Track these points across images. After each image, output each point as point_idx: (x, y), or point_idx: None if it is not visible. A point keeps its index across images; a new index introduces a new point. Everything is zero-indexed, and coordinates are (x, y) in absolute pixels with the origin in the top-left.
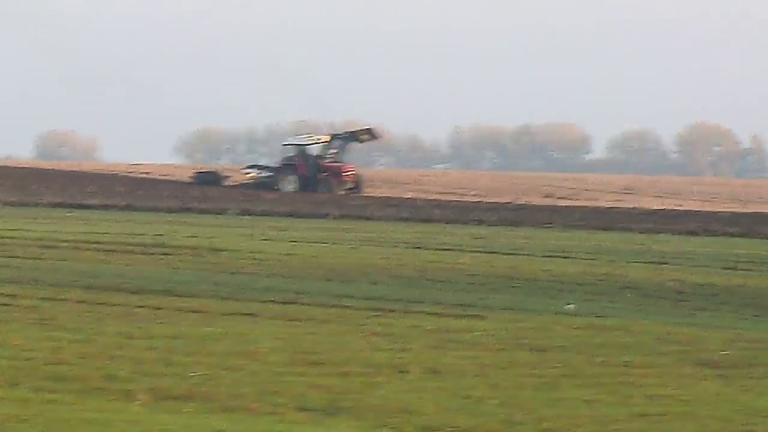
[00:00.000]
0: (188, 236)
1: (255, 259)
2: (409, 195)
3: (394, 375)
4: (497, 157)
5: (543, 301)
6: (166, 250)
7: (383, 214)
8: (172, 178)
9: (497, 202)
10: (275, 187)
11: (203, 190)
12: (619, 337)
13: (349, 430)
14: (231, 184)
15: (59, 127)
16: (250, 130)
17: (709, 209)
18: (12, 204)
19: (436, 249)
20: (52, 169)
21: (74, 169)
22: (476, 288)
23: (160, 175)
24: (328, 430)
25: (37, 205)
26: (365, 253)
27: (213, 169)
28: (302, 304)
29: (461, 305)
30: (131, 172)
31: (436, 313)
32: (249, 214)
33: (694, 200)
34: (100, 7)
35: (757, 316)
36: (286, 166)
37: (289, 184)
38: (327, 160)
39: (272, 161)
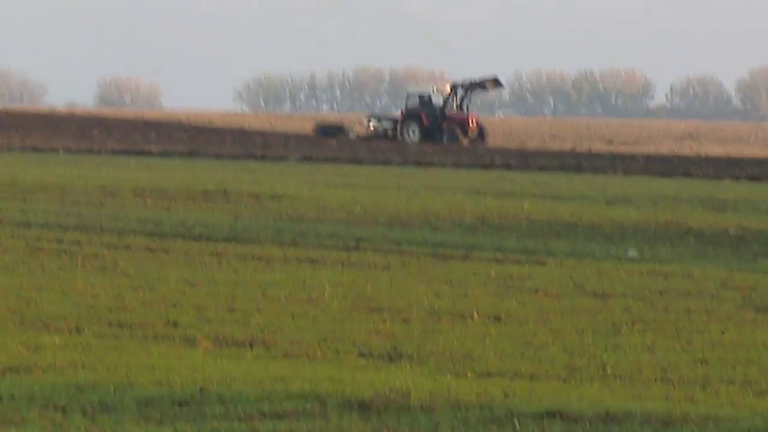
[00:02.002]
0: (250, 183)
1: (316, 205)
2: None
3: (456, 321)
4: (558, 103)
5: (604, 247)
6: (227, 197)
7: (445, 160)
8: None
9: (559, 149)
10: (398, 138)
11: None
12: (681, 283)
13: (410, 375)
14: (354, 136)
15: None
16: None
17: None
18: (74, 151)
19: (497, 195)
20: (114, 117)
21: (136, 116)
22: (537, 234)
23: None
24: (389, 376)
25: (99, 152)
26: (426, 199)
27: (336, 122)
28: (363, 250)
29: (522, 251)
30: (193, 121)
31: (497, 260)
32: (311, 161)
33: (756, 146)
34: None
35: None
36: (409, 116)
37: (412, 135)
38: (451, 110)
39: (393, 112)
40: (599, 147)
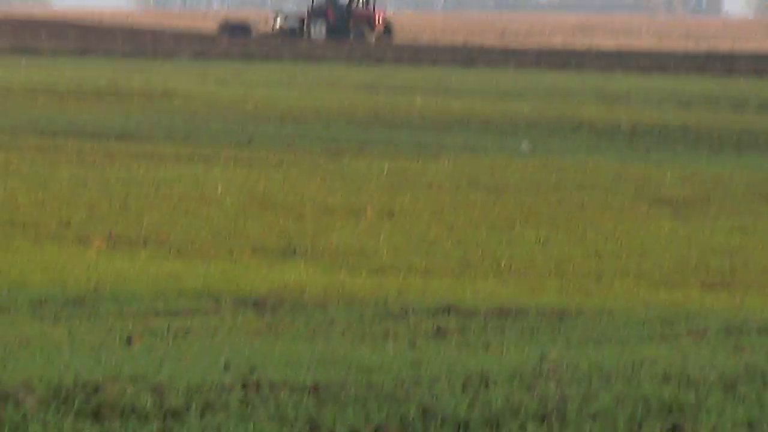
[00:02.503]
0: (141, 81)
1: (209, 103)
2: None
3: (349, 217)
4: None
5: (497, 141)
6: (119, 95)
7: (335, 55)
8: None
9: (450, 44)
10: (304, 35)
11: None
12: (574, 176)
13: (304, 272)
14: (260, 33)
15: None
16: None
17: (661, 47)
18: None
19: (390, 90)
20: (3, 16)
21: (26, 15)
22: (430, 129)
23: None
24: (283, 273)
25: None
26: (318, 95)
27: (242, 20)
28: (256, 147)
29: (415, 146)
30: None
31: (390, 155)
32: (202, 58)
33: (647, 38)
34: None
35: (710, 153)
36: (316, 13)
37: (319, 32)
38: (357, 7)
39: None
40: (491, 41)
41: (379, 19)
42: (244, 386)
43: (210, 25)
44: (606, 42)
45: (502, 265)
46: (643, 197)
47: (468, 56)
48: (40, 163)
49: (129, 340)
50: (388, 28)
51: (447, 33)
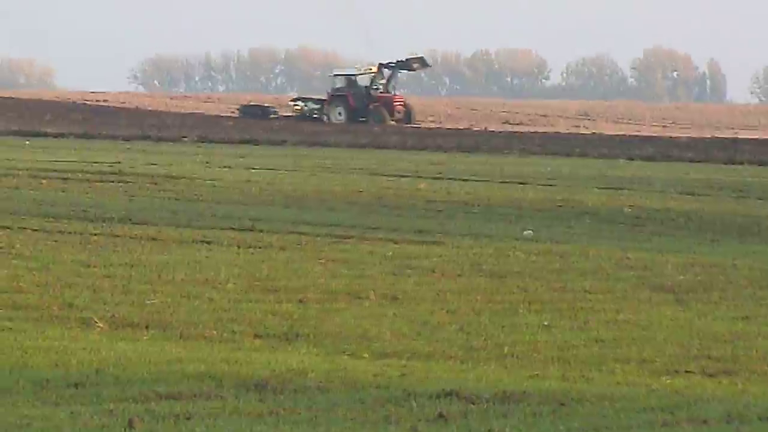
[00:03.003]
0: (145, 164)
1: (212, 186)
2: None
3: (352, 301)
4: (454, 83)
5: (501, 227)
6: (123, 178)
7: (340, 140)
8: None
9: (455, 128)
10: (324, 119)
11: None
12: (577, 262)
13: (307, 356)
14: (278, 116)
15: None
16: (206, 57)
17: (666, 134)
18: None
19: (394, 175)
20: (9, 97)
21: (32, 97)
22: (434, 214)
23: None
24: (286, 357)
25: None
26: (322, 179)
27: (260, 103)
28: (259, 231)
29: (419, 231)
30: (89, 101)
31: (394, 240)
32: (206, 142)
33: (651, 126)
34: None
35: (713, 240)
36: (335, 97)
37: (339, 116)
38: (377, 91)
39: (320, 94)
40: (496, 127)
41: (399, 103)
42: None
43: (213, 107)
44: (609, 129)
45: (505, 350)
46: (645, 284)
47: (473, 142)
48: (43, 246)
49: (131, 423)
50: (408, 112)
51: (452, 119)
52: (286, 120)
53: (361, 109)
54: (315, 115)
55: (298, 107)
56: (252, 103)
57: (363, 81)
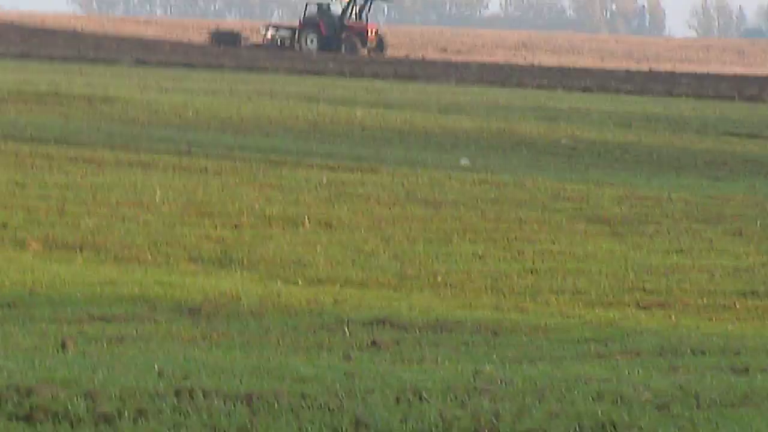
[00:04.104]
0: (83, 85)
1: (149, 109)
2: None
3: (287, 227)
4: (393, 11)
5: (437, 156)
6: (59, 99)
7: (277, 65)
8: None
9: (393, 56)
10: (296, 47)
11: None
12: (513, 192)
13: (241, 281)
14: (250, 44)
15: None
16: None
17: (604, 66)
18: None
19: (330, 102)
20: None
21: None
22: (370, 142)
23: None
24: (220, 282)
25: None
26: (259, 105)
27: (231, 29)
28: (195, 155)
29: (355, 159)
30: (26, 22)
31: (329, 167)
32: (144, 64)
33: (589, 57)
34: None
35: (649, 173)
36: (307, 25)
37: (311, 44)
38: (350, 19)
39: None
40: (433, 55)
41: (372, 32)
42: (177, 394)
43: (152, 31)
44: (548, 59)
45: (439, 279)
46: (581, 216)
47: (409, 69)
48: None
49: (63, 345)
50: (380, 42)
51: (390, 47)
52: (257, 48)
53: (334, 37)
54: (286, 43)
55: (270, 35)
56: (222, 30)
57: (335, 9)
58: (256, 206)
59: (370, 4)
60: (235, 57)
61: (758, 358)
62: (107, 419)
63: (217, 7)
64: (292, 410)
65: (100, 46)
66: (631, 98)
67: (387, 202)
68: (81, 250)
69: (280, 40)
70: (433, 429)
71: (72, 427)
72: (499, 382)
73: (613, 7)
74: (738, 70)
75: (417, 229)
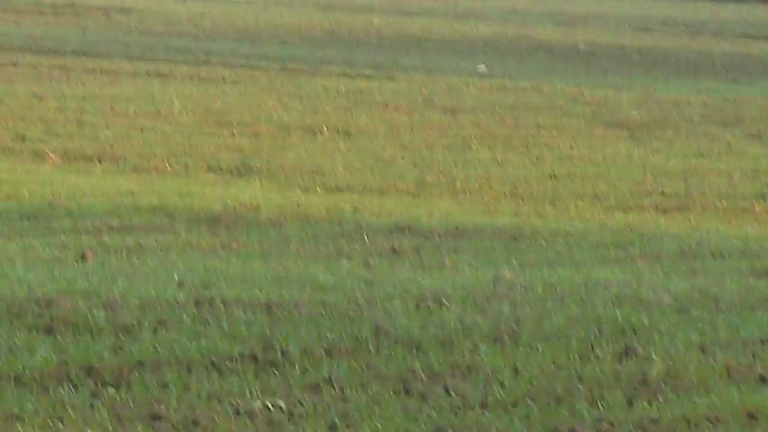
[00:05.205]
0: None
1: (166, 19)
2: None
3: (305, 136)
4: None
5: (454, 62)
6: (76, 11)
7: None
8: None
9: None
10: None
11: None
12: (530, 98)
13: (260, 190)
14: None
15: None
16: None
17: None
18: None
19: (347, 10)
20: None
21: None
22: (387, 49)
23: None
24: (239, 191)
25: None
26: (275, 14)
27: None
28: (213, 64)
29: (372, 66)
30: None
31: (347, 74)
32: None
33: None
34: None
35: (667, 77)
36: None
37: None
38: None
39: None
40: None
41: None
42: (197, 303)
43: None
44: None
45: (458, 185)
46: (599, 120)
47: None
48: None
49: (83, 256)
50: None
51: None
52: None
53: None
54: None
55: None
56: None
57: None
58: (275, 115)
59: None
60: None
61: None
62: (127, 329)
63: None
64: (311, 318)
65: None
66: (648, 2)
67: (405, 110)
68: (99, 162)
69: None
70: (453, 335)
71: (92, 337)
72: (518, 288)
73: None
74: None
75: (435, 135)
